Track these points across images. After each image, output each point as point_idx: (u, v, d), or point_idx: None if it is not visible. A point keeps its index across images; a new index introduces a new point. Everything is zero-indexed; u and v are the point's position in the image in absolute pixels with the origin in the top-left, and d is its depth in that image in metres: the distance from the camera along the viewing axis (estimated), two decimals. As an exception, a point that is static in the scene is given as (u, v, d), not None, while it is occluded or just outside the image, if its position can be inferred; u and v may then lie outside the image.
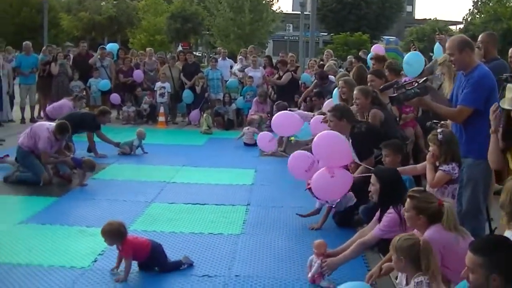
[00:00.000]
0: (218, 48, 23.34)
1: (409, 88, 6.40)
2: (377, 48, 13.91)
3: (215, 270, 6.45)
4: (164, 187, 10.18)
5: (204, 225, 8.06)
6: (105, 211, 8.65)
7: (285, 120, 10.18)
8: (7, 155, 11.18)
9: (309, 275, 6.03)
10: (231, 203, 9.22)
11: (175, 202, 9.18)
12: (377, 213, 5.94)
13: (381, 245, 5.88)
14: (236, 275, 6.32)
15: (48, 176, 10.06)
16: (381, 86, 8.91)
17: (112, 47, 20.53)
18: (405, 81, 7.75)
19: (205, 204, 9.11)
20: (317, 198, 8.04)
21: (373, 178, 5.88)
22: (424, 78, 7.40)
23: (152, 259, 6.31)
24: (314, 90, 14.24)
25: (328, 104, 10.69)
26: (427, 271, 4.36)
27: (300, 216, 8.25)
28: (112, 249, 6.88)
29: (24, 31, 47.57)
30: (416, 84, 6.41)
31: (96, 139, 12.81)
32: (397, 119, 9.32)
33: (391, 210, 5.71)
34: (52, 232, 7.54)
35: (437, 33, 9.56)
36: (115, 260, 6.43)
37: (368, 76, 9.68)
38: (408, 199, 5.01)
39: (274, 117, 10.48)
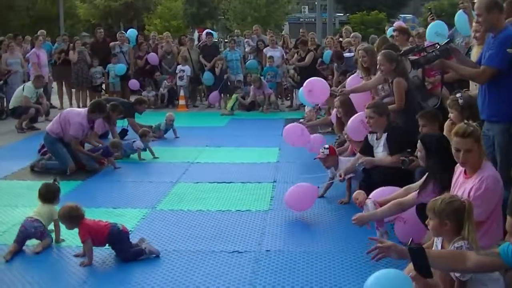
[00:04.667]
0: (236, 31, 23.05)
1: (431, 51, 6.24)
2: (400, 23, 13.75)
3: (245, 245, 6.36)
4: (189, 167, 10.12)
5: (231, 203, 7.98)
6: (131, 192, 8.64)
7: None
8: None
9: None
10: (257, 180, 9.13)
11: (200, 182, 9.11)
12: (423, 178, 5.75)
13: (420, 210, 5.69)
14: (267, 250, 6.23)
15: (75, 166, 9.89)
16: (402, 51, 8.71)
17: (130, 33, 20.41)
18: (427, 45, 7.59)
19: (231, 182, 9.04)
20: (326, 167, 8.07)
21: (419, 144, 5.70)
22: (447, 39, 7.23)
23: (112, 244, 6.02)
24: (337, 72, 14.10)
25: (352, 78, 10.51)
26: (468, 235, 4.20)
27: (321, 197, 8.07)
28: (139, 229, 6.92)
29: (40, 22, 47.57)
30: (438, 46, 6.26)
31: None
32: (424, 83, 9.12)
33: (434, 180, 5.50)
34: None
35: (460, 1, 9.29)
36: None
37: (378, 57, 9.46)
38: None
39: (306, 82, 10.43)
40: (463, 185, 4.99)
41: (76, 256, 6.06)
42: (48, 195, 6.64)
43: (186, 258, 6.00)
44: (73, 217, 5.97)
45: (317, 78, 10.92)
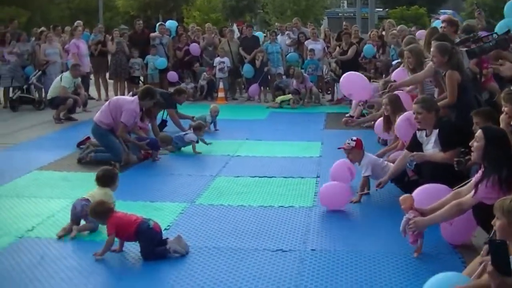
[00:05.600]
0: (276, 24, 22.79)
1: (487, 41, 5.87)
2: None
3: (289, 244, 6.05)
4: (229, 161, 9.85)
5: (274, 198, 7.67)
6: (169, 186, 8.40)
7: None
8: (89, 137, 10.59)
9: (400, 228, 5.55)
10: (299, 175, 8.81)
11: (241, 175, 8.83)
12: (477, 175, 5.38)
13: (477, 209, 5.33)
14: (312, 249, 5.91)
15: (128, 155, 9.66)
16: (458, 40, 8.30)
17: (170, 24, 20.18)
18: (483, 36, 7.20)
19: (272, 177, 8.73)
20: (350, 161, 7.78)
21: (479, 134, 5.30)
22: (506, 30, 6.83)
23: (138, 241, 5.73)
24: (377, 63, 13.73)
25: (397, 72, 10.13)
26: None
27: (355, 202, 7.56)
28: (178, 224, 6.70)
29: (80, 15, 47.83)
30: (497, 36, 5.90)
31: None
32: (479, 76, 8.69)
33: (494, 175, 5.12)
34: (115, 207, 7.21)
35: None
36: (182, 234, 6.07)
37: (432, 42, 9.02)
38: None
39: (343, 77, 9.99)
40: None
41: (113, 251, 5.80)
42: (104, 179, 6.63)
43: (227, 256, 5.72)
44: (99, 213, 5.83)
45: (352, 78, 10.34)
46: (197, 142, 10.59)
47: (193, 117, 12.55)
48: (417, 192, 6.12)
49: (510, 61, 6.06)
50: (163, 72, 17.86)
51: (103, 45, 18.05)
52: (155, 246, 5.67)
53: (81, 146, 10.50)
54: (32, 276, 5.28)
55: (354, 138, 7.76)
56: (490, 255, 3.70)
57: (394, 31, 15.73)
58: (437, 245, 5.89)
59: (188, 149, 10.62)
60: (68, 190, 7.91)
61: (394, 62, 13.16)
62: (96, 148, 9.92)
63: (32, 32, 18.58)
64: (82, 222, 6.39)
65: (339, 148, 7.90)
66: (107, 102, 10.23)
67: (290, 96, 16.40)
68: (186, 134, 10.70)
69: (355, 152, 7.66)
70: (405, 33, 14.91)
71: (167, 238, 5.79)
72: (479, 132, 5.27)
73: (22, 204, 7.50)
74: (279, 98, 16.49)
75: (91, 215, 5.97)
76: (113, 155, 9.55)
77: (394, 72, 10.67)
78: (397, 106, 8.68)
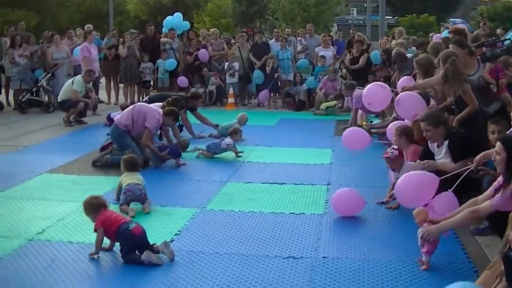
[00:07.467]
0: (287, 30, 22.75)
1: (499, 47, 5.84)
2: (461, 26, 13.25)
3: (300, 251, 6.01)
4: (239, 167, 9.82)
5: (285, 205, 7.63)
6: (179, 190, 8.40)
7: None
8: (111, 142, 10.39)
9: (419, 243, 5.52)
10: (310, 182, 8.76)
11: (252, 182, 8.79)
12: (495, 183, 5.32)
13: (493, 218, 5.27)
14: (324, 257, 5.87)
15: (142, 160, 9.54)
16: (476, 44, 8.26)
17: (173, 20, 19.76)
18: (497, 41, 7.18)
19: (283, 183, 8.68)
20: (392, 170, 7.56)
21: (498, 147, 5.23)
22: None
23: (118, 241, 5.81)
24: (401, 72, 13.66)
25: (403, 81, 10.05)
26: None
27: (381, 204, 7.61)
28: (189, 229, 6.68)
29: (90, 19, 47.91)
30: (510, 43, 5.87)
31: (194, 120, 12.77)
32: (496, 85, 8.62)
33: None
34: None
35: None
36: (193, 240, 6.19)
37: (450, 46, 8.99)
38: None
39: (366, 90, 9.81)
40: None
41: (102, 249, 5.89)
42: (134, 163, 7.67)
43: (239, 262, 5.69)
44: (93, 204, 5.95)
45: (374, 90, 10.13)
46: (234, 145, 10.52)
47: (217, 125, 12.54)
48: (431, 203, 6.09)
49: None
50: (173, 77, 17.86)
51: (116, 49, 18.10)
52: (132, 249, 5.68)
53: (105, 151, 10.32)
54: (42, 279, 5.27)
55: (396, 147, 7.66)
56: (505, 271, 3.65)
57: (401, 40, 15.80)
58: (449, 254, 5.84)
59: (193, 154, 10.61)
60: (78, 193, 7.87)
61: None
62: (116, 152, 9.82)
63: (43, 35, 18.58)
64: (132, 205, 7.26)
65: (382, 158, 7.69)
66: (131, 106, 10.25)
67: (335, 102, 16.32)
68: (223, 140, 10.61)
69: (398, 161, 7.53)
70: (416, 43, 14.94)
71: (153, 244, 5.76)
72: (498, 145, 5.20)
73: (32, 206, 7.49)
74: (324, 105, 16.28)
75: (84, 207, 6.01)
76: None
77: (401, 80, 10.58)
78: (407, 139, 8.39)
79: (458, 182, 6.18)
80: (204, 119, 12.90)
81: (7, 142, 11.87)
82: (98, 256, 5.75)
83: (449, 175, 6.29)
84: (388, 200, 7.57)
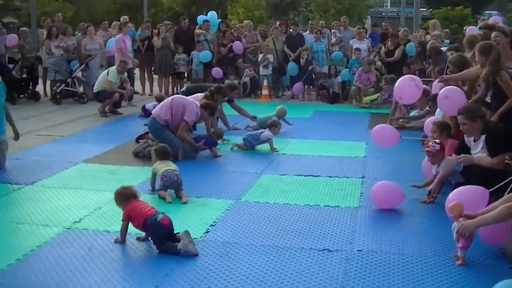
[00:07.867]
0: (321, 22, 22.63)
1: None
2: (496, 19, 13.09)
3: (335, 244, 5.99)
4: (274, 159, 9.83)
5: (319, 197, 7.61)
6: (214, 182, 8.42)
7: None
8: (147, 132, 10.52)
9: (454, 237, 5.49)
10: (345, 175, 8.74)
11: (286, 174, 8.79)
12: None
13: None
14: (359, 250, 5.85)
15: (184, 151, 9.69)
16: None
17: (211, 15, 19.80)
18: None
19: (318, 176, 8.67)
20: (432, 163, 7.53)
21: None
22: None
23: (148, 233, 5.90)
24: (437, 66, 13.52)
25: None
26: None
27: (417, 187, 7.67)
28: (224, 220, 6.69)
29: (125, 10, 48.15)
30: None
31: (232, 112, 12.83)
32: None
33: None
34: (161, 203, 7.27)
35: None
36: (228, 231, 6.22)
37: (493, 34, 8.81)
38: None
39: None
40: None
41: (138, 239, 5.98)
42: (166, 152, 7.96)
43: (274, 254, 5.70)
44: (123, 194, 6.04)
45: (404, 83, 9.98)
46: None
47: (254, 117, 12.59)
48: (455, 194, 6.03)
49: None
50: (207, 68, 17.88)
51: (150, 41, 18.21)
52: (164, 239, 5.74)
53: (139, 141, 10.48)
54: (80, 266, 5.34)
55: (437, 141, 7.61)
56: None
57: (436, 32, 15.63)
58: (484, 250, 5.77)
59: (227, 146, 10.67)
60: (114, 183, 7.91)
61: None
62: (154, 143, 9.85)
63: (78, 27, 18.76)
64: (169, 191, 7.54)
65: (423, 151, 7.67)
66: (169, 98, 10.28)
67: (377, 94, 16.25)
68: (262, 132, 10.64)
69: (439, 155, 7.49)
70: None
71: (177, 233, 5.81)
72: None
73: (69, 195, 7.59)
74: (367, 98, 16.21)
75: (115, 197, 6.10)
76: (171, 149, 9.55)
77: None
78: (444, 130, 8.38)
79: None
80: (242, 110, 12.93)
81: (44, 132, 12.04)
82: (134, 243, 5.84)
83: (498, 186, 6.12)
84: (421, 187, 7.62)
